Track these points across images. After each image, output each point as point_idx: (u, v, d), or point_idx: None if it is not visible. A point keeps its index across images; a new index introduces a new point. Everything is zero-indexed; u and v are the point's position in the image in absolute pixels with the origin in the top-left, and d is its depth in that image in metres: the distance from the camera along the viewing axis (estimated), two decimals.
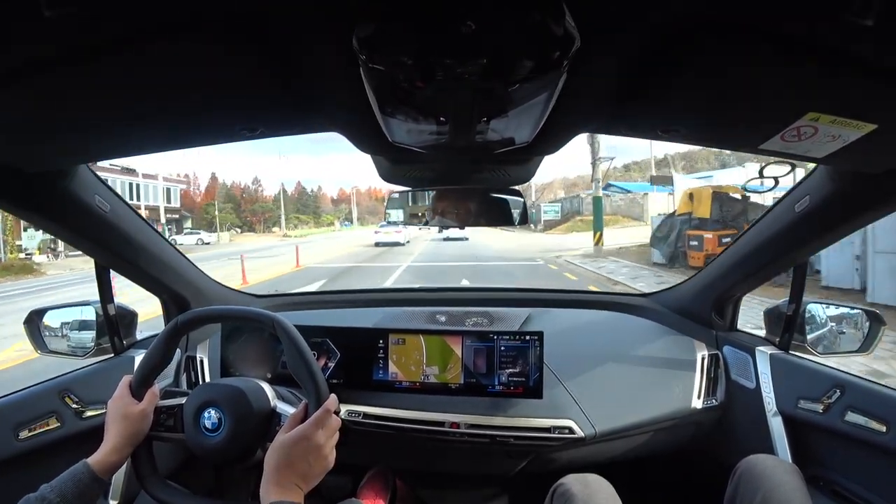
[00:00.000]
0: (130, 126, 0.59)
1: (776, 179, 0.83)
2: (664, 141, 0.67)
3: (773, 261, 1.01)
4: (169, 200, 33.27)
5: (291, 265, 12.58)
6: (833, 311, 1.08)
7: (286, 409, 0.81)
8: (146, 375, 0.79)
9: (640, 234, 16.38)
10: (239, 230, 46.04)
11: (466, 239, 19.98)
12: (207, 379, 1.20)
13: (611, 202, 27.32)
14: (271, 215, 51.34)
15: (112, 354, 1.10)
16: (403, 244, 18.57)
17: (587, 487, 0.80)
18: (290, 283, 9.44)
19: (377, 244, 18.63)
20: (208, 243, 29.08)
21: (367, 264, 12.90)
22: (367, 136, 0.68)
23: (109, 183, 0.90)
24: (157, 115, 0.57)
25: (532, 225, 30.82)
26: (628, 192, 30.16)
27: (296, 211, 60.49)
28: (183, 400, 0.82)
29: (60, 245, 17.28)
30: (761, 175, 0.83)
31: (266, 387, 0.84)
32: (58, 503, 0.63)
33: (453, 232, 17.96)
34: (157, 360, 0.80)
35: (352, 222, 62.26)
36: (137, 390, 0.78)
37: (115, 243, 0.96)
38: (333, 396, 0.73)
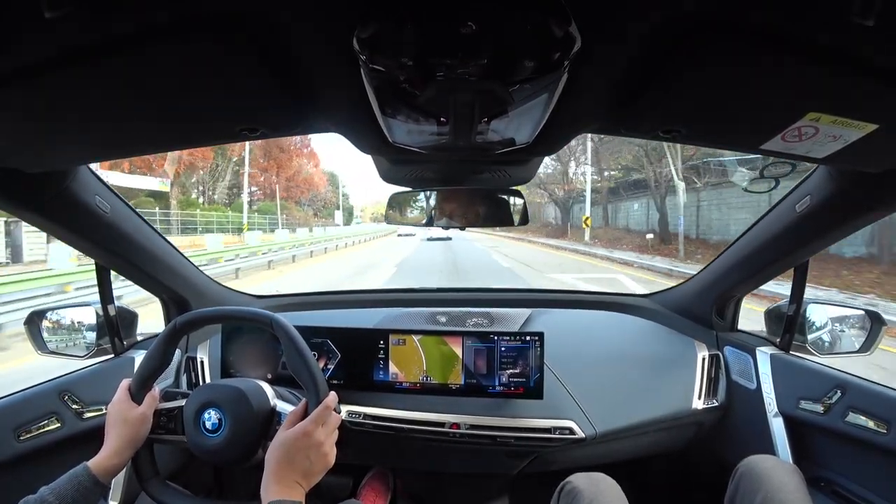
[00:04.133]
0: (130, 126, 0.59)
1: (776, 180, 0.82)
2: (664, 141, 0.67)
3: (774, 261, 1.01)
4: None
5: None
6: (834, 311, 1.08)
7: (286, 409, 0.81)
8: (145, 378, 0.79)
9: None
10: None
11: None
12: (208, 379, 1.20)
13: None
14: None
15: (112, 355, 1.10)
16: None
17: (595, 486, 0.80)
18: None
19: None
20: None
21: None
22: (367, 137, 0.68)
23: None
24: (157, 116, 0.57)
25: None
26: None
27: None
28: (183, 402, 0.82)
29: None
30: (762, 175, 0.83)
31: (266, 387, 0.84)
32: None
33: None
34: (157, 362, 0.80)
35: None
36: (137, 393, 0.78)
37: (116, 244, 0.95)
38: (333, 394, 0.73)
